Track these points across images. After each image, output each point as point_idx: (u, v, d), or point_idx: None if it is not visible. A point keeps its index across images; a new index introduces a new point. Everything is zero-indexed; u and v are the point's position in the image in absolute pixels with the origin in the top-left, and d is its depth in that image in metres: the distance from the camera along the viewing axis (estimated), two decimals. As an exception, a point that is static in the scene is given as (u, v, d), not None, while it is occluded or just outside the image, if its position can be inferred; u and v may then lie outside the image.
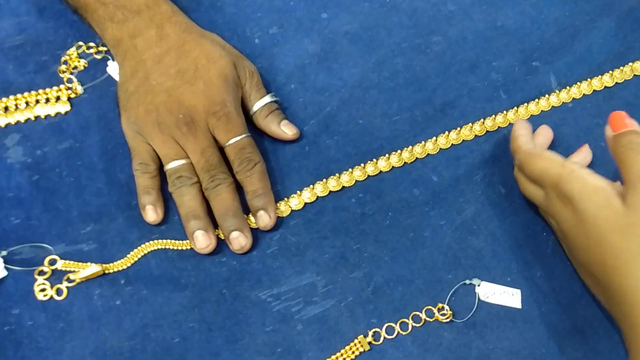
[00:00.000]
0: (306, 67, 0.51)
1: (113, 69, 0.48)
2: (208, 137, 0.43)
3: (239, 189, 0.44)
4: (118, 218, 0.44)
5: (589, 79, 0.51)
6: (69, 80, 0.48)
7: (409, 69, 0.51)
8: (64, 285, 0.41)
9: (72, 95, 0.48)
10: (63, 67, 0.49)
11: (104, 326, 0.40)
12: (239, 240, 0.41)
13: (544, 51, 0.53)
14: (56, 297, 0.41)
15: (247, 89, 0.46)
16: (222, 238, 0.42)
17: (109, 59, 0.49)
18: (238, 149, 0.43)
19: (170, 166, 0.43)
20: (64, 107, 0.48)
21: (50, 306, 0.41)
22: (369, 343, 0.40)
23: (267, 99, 0.46)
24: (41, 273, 0.42)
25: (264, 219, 0.43)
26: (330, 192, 0.45)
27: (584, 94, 0.51)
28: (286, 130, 0.46)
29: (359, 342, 0.40)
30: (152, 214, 0.43)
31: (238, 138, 0.43)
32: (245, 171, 0.43)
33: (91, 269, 0.41)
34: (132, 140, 0.44)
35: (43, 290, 0.41)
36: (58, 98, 0.48)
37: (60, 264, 0.42)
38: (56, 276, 0.42)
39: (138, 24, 0.45)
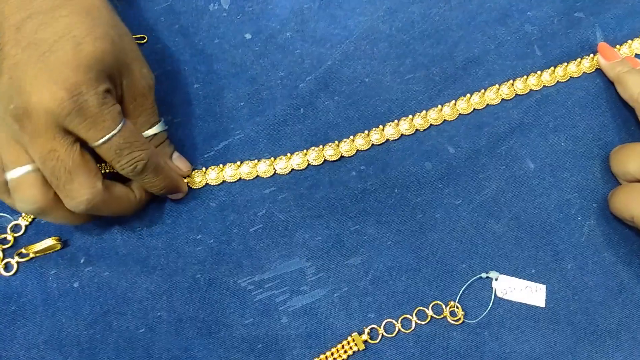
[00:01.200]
0: (305, 12, 0.43)
1: None
2: (53, 137, 0.30)
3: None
4: (81, 187, 0.38)
5: (636, 38, 0.43)
6: None
7: (427, 18, 0.44)
8: (14, 260, 0.36)
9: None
10: None
11: (60, 311, 0.35)
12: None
13: (589, 0, 0.44)
14: (4, 273, 0.36)
15: (131, 110, 0.34)
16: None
17: None
18: (113, 150, 0.32)
19: (9, 176, 0.32)
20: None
21: (1, 287, 0.36)
22: (365, 342, 0.35)
23: (160, 127, 0.36)
24: (3, 242, 0.36)
25: (178, 197, 0.37)
26: (326, 161, 0.39)
27: (636, 54, 0.43)
28: (180, 165, 0.37)
29: (353, 340, 0.35)
30: None
31: (108, 137, 0.31)
32: (134, 176, 0.34)
33: (46, 242, 0.36)
34: None
35: (-7, 264, 0.36)
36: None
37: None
38: (12, 251, 0.36)
39: None
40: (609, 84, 0.42)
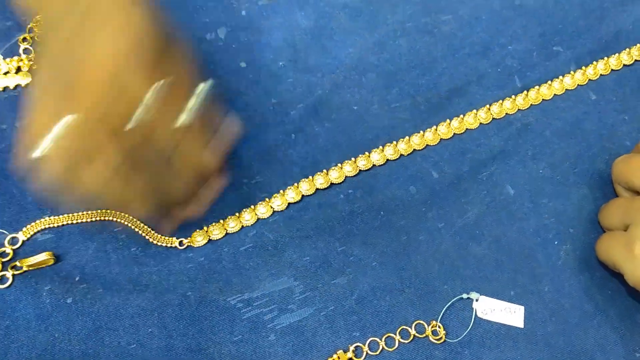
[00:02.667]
0: (297, 43, 0.46)
1: None
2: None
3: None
4: (77, 207, 0.39)
5: (605, 58, 0.46)
6: (26, 51, 0.44)
7: (413, 51, 0.46)
8: (9, 273, 0.37)
9: (35, 67, 0.43)
10: (28, 35, 0.44)
11: (53, 326, 0.36)
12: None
13: (566, 34, 0.47)
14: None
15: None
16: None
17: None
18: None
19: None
20: (25, 80, 0.43)
21: (-4, 301, 0.36)
22: (349, 359, 0.36)
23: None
24: (3, 255, 0.37)
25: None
26: (317, 189, 0.40)
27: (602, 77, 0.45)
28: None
29: (339, 357, 0.36)
30: None
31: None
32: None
33: (40, 256, 0.37)
34: None
35: (-10, 278, 0.37)
36: (19, 69, 0.43)
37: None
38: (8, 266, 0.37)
39: None
40: (585, 116, 0.44)
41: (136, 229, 0.39)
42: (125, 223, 0.39)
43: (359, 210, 0.40)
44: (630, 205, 0.36)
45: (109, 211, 0.39)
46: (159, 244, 0.38)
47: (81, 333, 0.36)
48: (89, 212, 0.39)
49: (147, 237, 0.38)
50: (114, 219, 0.39)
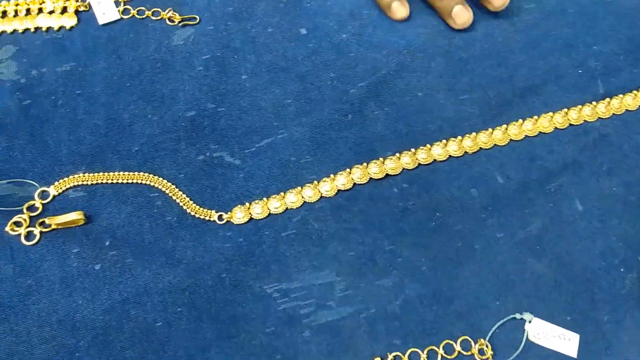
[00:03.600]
0: (364, 15, 0.42)
1: None
2: None
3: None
4: (114, 166, 0.37)
5: None
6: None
7: (489, 38, 0.42)
8: (37, 230, 0.35)
9: (82, 9, 0.40)
10: (77, -28, 0.41)
11: (77, 292, 0.34)
12: (460, 15, 0.41)
13: (659, 41, 0.43)
14: (25, 242, 0.34)
15: None
16: None
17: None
18: None
19: None
20: (70, 21, 0.40)
21: (19, 258, 0.34)
22: (386, 368, 0.33)
23: None
24: (32, 209, 0.35)
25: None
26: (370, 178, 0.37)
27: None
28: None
29: (375, 363, 0.33)
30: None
31: None
32: None
33: (70, 215, 0.35)
34: None
35: (17, 225, 0.35)
36: (65, 9, 0.40)
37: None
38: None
39: None
40: (671, 133, 0.40)
41: (174, 197, 0.36)
42: (163, 189, 0.36)
43: (413, 208, 0.37)
44: None
45: (147, 174, 0.36)
46: (197, 216, 0.36)
47: (106, 303, 0.34)
48: (127, 173, 0.36)
49: (184, 207, 0.36)
50: (152, 184, 0.36)
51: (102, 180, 0.36)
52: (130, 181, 0.36)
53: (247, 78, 0.40)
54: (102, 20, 0.40)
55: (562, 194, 0.38)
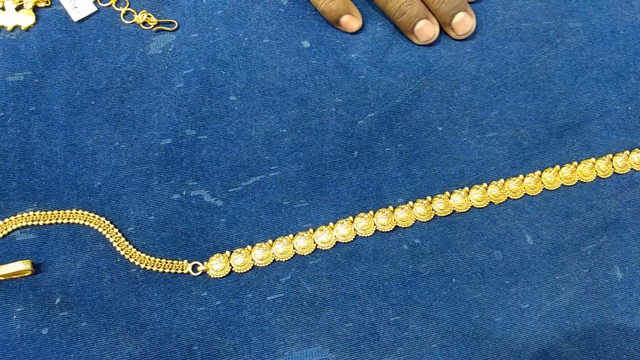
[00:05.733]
0: (379, 30, 0.35)
1: None
2: None
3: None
4: (72, 203, 0.31)
5: None
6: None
7: (525, 63, 0.35)
8: (-25, 285, 0.29)
9: (42, 4, 0.34)
10: (37, -41, 0.34)
11: (21, 360, 0.28)
12: (423, 30, 0.34)
13: None
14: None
15: None
16: None
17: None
18: None
19: None
20: (26, 20, 0.33)
21: (-47, 314, 0.29)
22: None
23: None
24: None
25: (467, 20, 0.35)
26: (377, 230, 0.31)
27: None
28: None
29: None
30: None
31: None
32: None
33: (15, 265, 0.29)
34: None
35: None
36: (21, 6, 0.33)
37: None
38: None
39: None
40: None
41: (117, 246, 0.30)
42: (105, 234, 0.30)
43: (425, 272, 0.31)
44: None
45: (81, 212, 0.30)
46: (165, 271, 0.30)
47: (53, 375, 0.28)
48: (73, 211, 0.30)
49: (134, 261, 0.30)
50: (91, 225, 0.30)
51: (54, 219, 0.30)
52: (61, 221, 0.30)
53: (236, 100, 0.33)
54: (76, 16, 0.33)
55: (599, 258, 0.32)
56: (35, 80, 0.33)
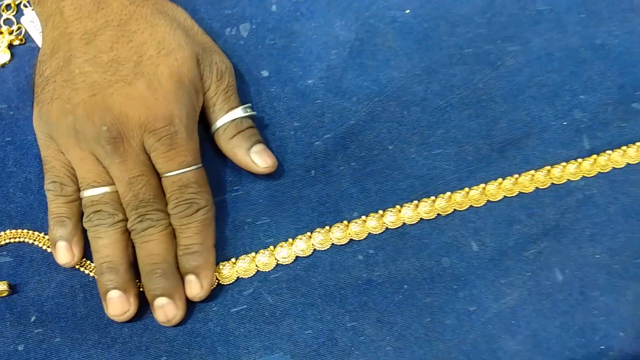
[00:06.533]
0: (333, 58, 0.38)
1: (30, 19, 0.36)
2: (141, 160, 0.31)
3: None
4: (46, 226, 0.33)
5: None
6: (8, 22, 0.36)
7: (468, 84, 0.38)
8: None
9: (16, 42, 0.36)
10: (13, 2, 0.37)
11: (-2, 376, 0.30)
12: (164, 310, 0.30)
13: (651, 90, 0.39)
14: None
15: (210, 95, 0.34)
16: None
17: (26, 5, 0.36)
18: (178, 185, 0.31)
19: (86, 194, 0.31)
20: (2, 57, 0.36)
21: None
22: None
23: (238, 112, 0.34)
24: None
25: (192, 287, 0.31)
26: (333, 244, 0.34)
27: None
28: (257, 159, 0.33)
29: None
30: (64, 253, 0.31)
31: (182, 171, 0.31)
32: (181, 216, 0.31)
33: (-7, 286, 0.31)
34: (44, 148, 0.32)
35: None
36: (-5, 44, 0.36)
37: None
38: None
39: None
40: (660, 195, 0.37)
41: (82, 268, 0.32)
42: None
43: (379, 280, 0.33)
44: None
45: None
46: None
47: (29, 389, 0.30)
48: (41, 234, 0.32)
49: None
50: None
51: (31, 239, 0.32)
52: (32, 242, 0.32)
53: (201, 127, 0.36)
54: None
55: (541, 262, 0.35)
56: (11, 112, 0.35)
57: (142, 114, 0.30)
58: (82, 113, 0.30)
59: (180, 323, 0.31)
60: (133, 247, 0.31)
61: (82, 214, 0.32)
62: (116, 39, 0.31)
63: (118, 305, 0.30)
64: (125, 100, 0.30)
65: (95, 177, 0.31)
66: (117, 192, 0.31)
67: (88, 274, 0.32)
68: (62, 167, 0.32)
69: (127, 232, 0.31)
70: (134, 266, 0.31)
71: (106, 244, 0.30)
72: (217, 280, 0.33)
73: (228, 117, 0.33)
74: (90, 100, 0.30)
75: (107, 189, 0.31)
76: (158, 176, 0.32)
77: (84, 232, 0.32)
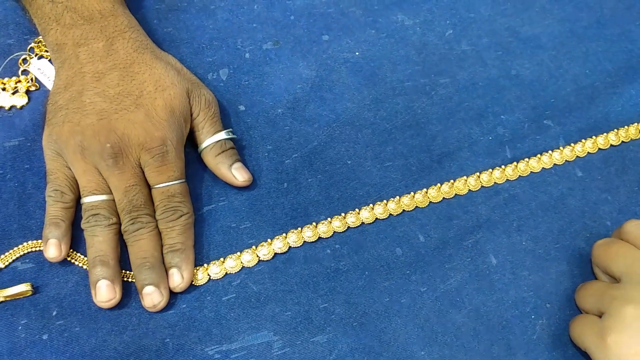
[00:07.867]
0: (298, 92, 0.46)
1: (37, 67, 0.43)
2: (136, 173, 0.38)
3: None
4: (61, 237, 0.39)
5: (594, 137, 0.47)
6: (25, 72, 0.43)
7: (409, 110, 0.47)
8: (-15, 305, 0.36)
9: (32, 88, 0.43)
10: (28, 55, 0.44)
11: (25, 363, 0.35)
12: (151, 297, 0.36)
13: (557, 109, 0.48)
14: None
15: (199, 121, 0.41)
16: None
17: (32, 56, 0.44)
18: (166, 195, 0.38)
19: (87, 200, 0.38)
20: (20, 101, 0.42)
21: (-33, 331, 0.36)
22: (322, 420, 0.36)
23: (221, 135, 0.41)
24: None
25: (175, 279, 0.37)
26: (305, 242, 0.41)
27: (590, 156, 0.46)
28: (237, 174, 0.41)
29: (311, 417, 0.36)
30: (54, 249, 0.37)
31: (169, 183, 0.38)
32: (167, 221, 0.38)
33: (18, 287, 0.36)
34: (50, 161, 0.39)
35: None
36: (16, 90, 0.43)
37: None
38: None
39: (87, 32, 0.39)
40: (570, 192, 0.45)
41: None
42: (78, 263, 0.38)
43: (344, 268, 0.40)
44: (606, 291, 0.37)
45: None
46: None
47: (53, 372, 0.35)
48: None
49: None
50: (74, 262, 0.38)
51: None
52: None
53: (190, 151, 0.43)
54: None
55: (477, 250, 0.42)
56: (28, 144, 0.41)
57: (141, 135, 0.37)
58: (90, 133, 0.37)
59: (180, 311, 0.37)
60: (122, 247, 0.38)
61: (74, 220, 0.38)
62: (122, 77, 0.38)
63: (106, 293, 0.36)
64: (128, 124, 0.37)
65: (96, 187, 0.37)
66: (113, 200, 0.38)
67: (78, 265, 0.38)
68: (65, 178, 0.38)
69: (118, 235, 0.38)
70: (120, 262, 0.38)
71: (100, 240, 0.37)
72: (209, 276, 0.39)
73: (214, 138, 0.41)
74: (98, 124, 0.37)
75: (105, 196, 0.38)
76: (149, 187, 0.39)
77: (74, 236, 0.38)
